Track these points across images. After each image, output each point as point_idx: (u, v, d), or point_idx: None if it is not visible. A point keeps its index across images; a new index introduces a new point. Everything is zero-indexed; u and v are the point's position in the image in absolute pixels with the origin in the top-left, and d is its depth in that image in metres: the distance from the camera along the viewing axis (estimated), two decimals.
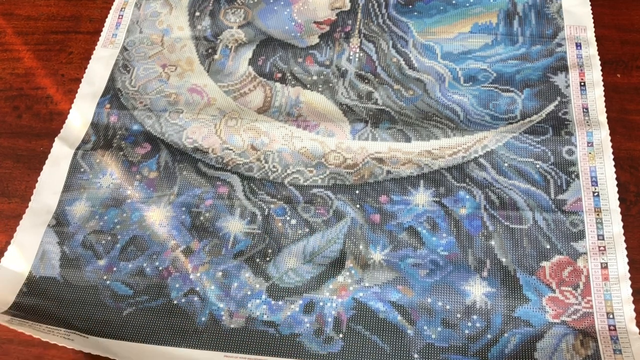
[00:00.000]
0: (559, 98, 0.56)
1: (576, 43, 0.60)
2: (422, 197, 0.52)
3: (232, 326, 0.48)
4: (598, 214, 0.50)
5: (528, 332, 0.45)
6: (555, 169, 0.52)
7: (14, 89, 0.64)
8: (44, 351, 0.48)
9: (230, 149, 0.57)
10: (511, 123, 0.55)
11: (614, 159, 0.52)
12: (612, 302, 0.46)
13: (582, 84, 0.57)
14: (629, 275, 0.47)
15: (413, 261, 0.49)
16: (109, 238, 0.52)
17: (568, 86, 0.57)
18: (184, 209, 0.53)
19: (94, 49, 0.65)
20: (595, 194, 0.51)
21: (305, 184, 0.54)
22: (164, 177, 0.55)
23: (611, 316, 0.45)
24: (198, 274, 0.50)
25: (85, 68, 0.64)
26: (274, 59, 0.62)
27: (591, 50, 0.59)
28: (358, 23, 0.64)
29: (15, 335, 0.48)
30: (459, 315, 0.47)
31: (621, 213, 0.50)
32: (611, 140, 0.53)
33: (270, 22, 0.65)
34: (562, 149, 0.53)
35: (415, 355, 0.45)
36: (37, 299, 0.50)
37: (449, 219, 0.51)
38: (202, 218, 0.53)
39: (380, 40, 0.62)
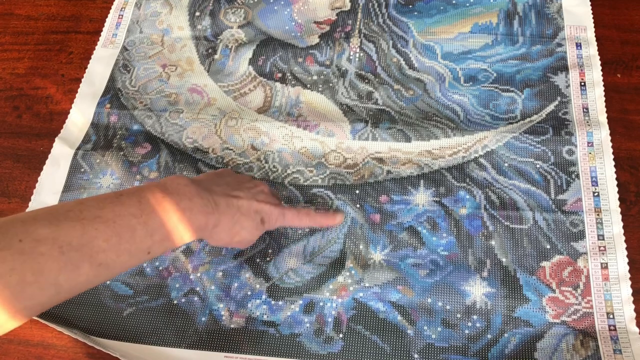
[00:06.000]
0: (559, 98, 0.56)
1: (576, 43, 0.60)
2: (422, 197, 0.52)
3: (232, 326, 0.48)
4: (598, 214, 0.50)
5: (528, 332, 0.45)
6: (555, 169, 0.52)
7: (14, 89, 0.64)
8: (43, 351, 0.48)
9: (231, 149, 0.57)
10: (511, 123, 0.55)
11: (614, 159, 0.52)
12: (612, 302, 0.46)
13: (582, 84, 0.57)
14: (629, 275, 0.47)
15: (413, 261, 0.49)
16: None
17: (568, 86, 0.57)
18: None
19: (94, 49, 0.65)
20: (596, 194, 0.51)
21: (306, 183, 0.54)
22: (164, 177, 0.55)
23: (611, 316, 0.45)
24: (198, 274, 0.50)
25: (85, 68, 0.64)
26: (274, 59, 0.62)
27: (591, 50, 0.59)
28: (358, 23, 0.64)
29: (15, 335, 0.49)
30: (459, 316, 0.47)
31: (621, 213, 0.50)
32: (611, 140, 0.53)
33: (270, 22, 0.65)
34: (562, 149, 0.53)
35: (415, 355, 0.45)
36: None
37: (449, 219, 0.51)
38: None
39: (381, 40, 0.62)
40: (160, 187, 0.37)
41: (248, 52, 0.63)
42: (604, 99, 0.56)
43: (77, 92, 0.62)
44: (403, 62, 0.61)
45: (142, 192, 0.36)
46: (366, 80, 0.60)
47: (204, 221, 0.39)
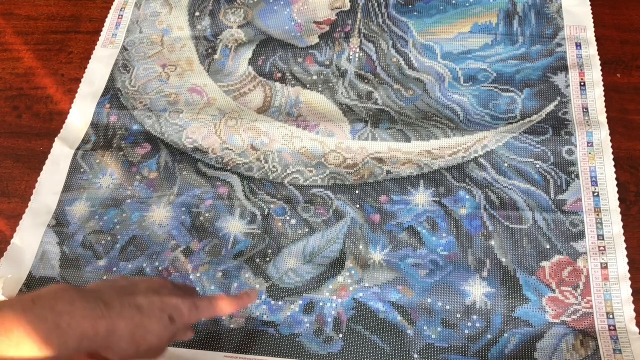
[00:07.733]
0: (559, 98, 0.56)
1: (576, 43, 0.60)
2: (422, 197, 0.52)
3: (232, 326, 0.48)
4: (598, 214, 0.50)
5: (528, 332, 0.45)
6: (555, 169, 0.52)
7: (14, 89, 0.64)
8: None
9: (230, 149, 0.57)
10: (511, 123, 0.55)
11: (614, 159, 0.52)
12: (612, 302, 0.46)
13: (582, 84, 0.57)
14: (629, 275, 0.47)
15: (413, 261, 0.49)
16: (109, 238, 0.52)
17: (568, 86, 0.57)
18: (184, 209, 0.53)
19: (94, 49, 0.65)
20: (595, 194, 0.51)
21: (305, 184, 0.54)
22: (164, 177, 0.55)
23: (611, 316, 0.45)
24: (198, 274, 0.50)
25: (85, 68, 0.64)
26: (274, 59, 0.62)
27: (591, 50, 0.59)
28: (358, 23, 0.64)
29: None
30: (459, 316, 0.47)
31: (621, 213, 0.50)
32: (611, 140, 0.53)
33: (270, 22, 0.65)
34: (562, 149, 0.53)
35: (415, 356, 0.45)
36: None
37: (449, 219, 0.51)
38: (202, 218, 0.53)
39: (380, 40, 0.62)
40: (32, 294, 0.33)
41: (248, 52, 0.63)
42: (603, 99, 0.56)
43: (77, 92, 0.62)
44: (403, 62, 0.61)
45: (6, 302, 0.32)
46: (366, 81, 0.60)
47: (90, 327, 0.33)
